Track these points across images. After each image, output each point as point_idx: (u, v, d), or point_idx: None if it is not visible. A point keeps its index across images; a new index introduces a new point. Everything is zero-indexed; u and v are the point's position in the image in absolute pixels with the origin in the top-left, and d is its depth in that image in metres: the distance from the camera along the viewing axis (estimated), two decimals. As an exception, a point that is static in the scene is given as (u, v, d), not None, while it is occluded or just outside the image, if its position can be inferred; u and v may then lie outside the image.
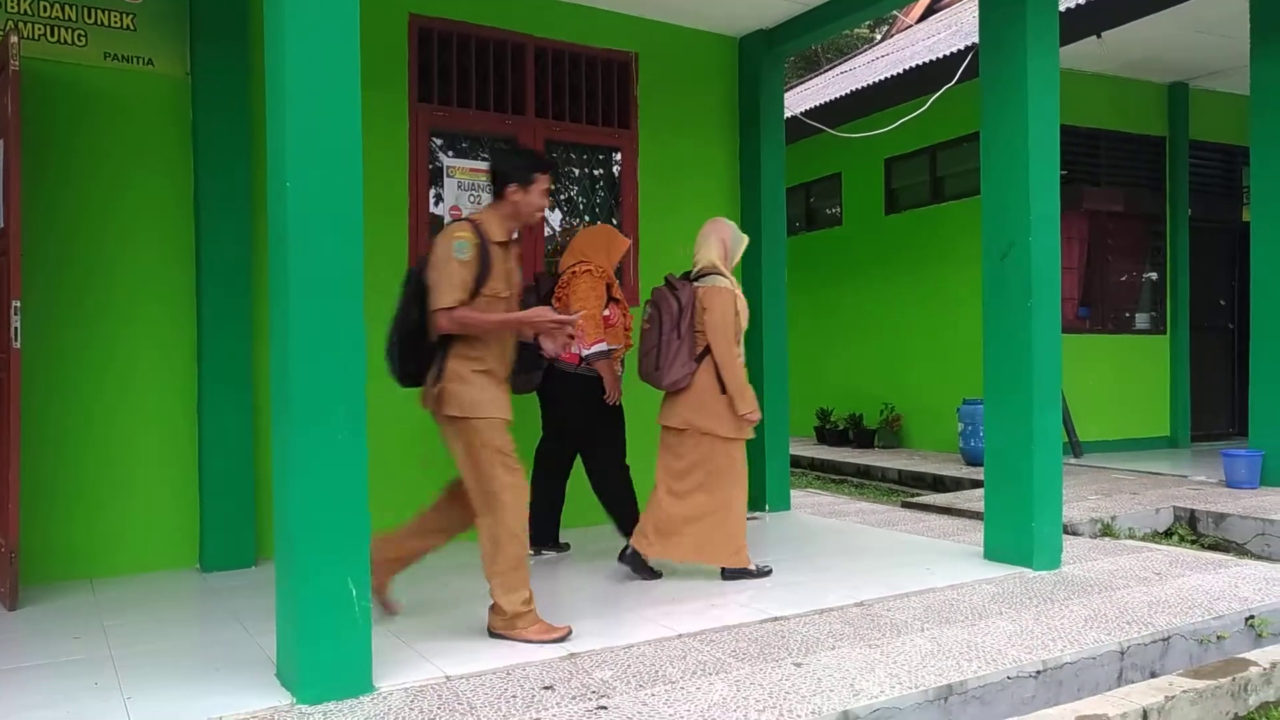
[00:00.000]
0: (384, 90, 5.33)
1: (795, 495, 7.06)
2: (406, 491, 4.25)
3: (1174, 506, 6.31)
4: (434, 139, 5.61)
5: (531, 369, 4.58)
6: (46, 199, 4.63)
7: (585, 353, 4.74)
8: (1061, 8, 6.07)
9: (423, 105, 5.55)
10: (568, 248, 5.02)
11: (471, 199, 5.65)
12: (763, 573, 4.60)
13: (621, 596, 4.34)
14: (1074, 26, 7.53)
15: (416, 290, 3.50)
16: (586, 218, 6.22)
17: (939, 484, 8.18)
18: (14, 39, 4.08)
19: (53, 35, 4.67)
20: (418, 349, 3.51)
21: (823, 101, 10.47)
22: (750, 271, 6.50)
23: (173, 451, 4.90)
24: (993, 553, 4.91)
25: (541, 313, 3.56)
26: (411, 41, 5.49)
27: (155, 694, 3.11)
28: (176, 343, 4.92)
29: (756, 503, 6.48)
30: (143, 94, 4.87)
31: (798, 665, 3.33)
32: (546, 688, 3.12)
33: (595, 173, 6.25)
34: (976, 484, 7.10)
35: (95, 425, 4.74)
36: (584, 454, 5.03)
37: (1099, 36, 7.94)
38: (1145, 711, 3.14)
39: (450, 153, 5.65)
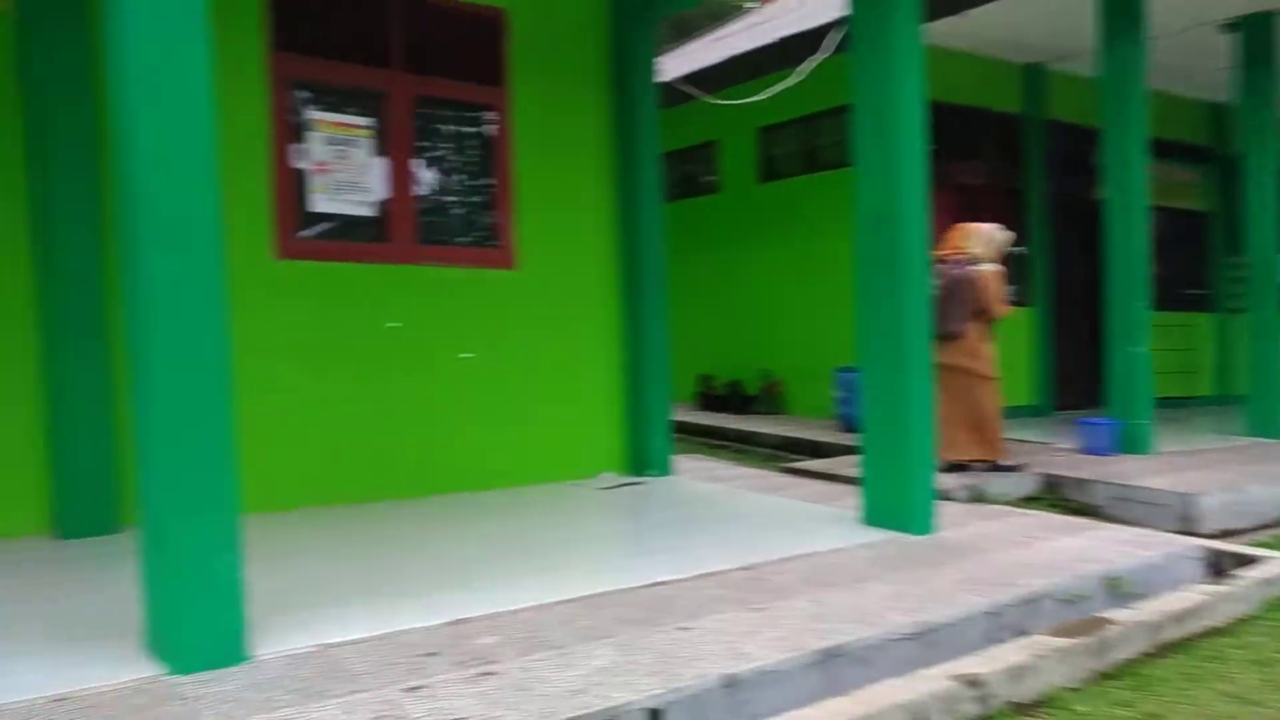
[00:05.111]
0: (237, 34, 5.00)
1: (678, 460, 7.05)
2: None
3: (1040, 473, 6.56)
4: (297, 90, 5.28)
5: None
6: None
7: None
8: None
9: (282, 54, 5.21)
10: None
11: (339, 153, 5.36)
12: None
13: (504, 560, 4.24)
14: (937, 3, 7.70)
15: None
16: (456, 177, 6.01)
17: (818, 450, 8.31)
18: None
19: None
20: None
21: (697, 68, 10.41)
22: (628, 236, 6.42)
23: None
24: (871, 518, 4.98)
25: None
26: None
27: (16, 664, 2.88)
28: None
29: (640, 467, 6.45)
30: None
31: (683, 630, 3.29)
32: (430, 654, 2.99)
33: (465, 130, 6.04)
34: (851, 450, 7.22)
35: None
36: None
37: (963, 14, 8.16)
38: (1017, 670, 3.23)
39: (315, 106, 5.36)
